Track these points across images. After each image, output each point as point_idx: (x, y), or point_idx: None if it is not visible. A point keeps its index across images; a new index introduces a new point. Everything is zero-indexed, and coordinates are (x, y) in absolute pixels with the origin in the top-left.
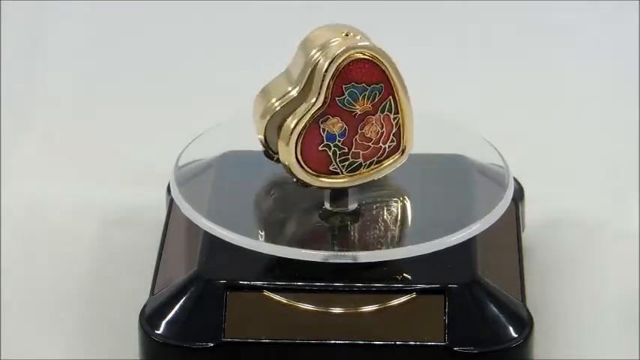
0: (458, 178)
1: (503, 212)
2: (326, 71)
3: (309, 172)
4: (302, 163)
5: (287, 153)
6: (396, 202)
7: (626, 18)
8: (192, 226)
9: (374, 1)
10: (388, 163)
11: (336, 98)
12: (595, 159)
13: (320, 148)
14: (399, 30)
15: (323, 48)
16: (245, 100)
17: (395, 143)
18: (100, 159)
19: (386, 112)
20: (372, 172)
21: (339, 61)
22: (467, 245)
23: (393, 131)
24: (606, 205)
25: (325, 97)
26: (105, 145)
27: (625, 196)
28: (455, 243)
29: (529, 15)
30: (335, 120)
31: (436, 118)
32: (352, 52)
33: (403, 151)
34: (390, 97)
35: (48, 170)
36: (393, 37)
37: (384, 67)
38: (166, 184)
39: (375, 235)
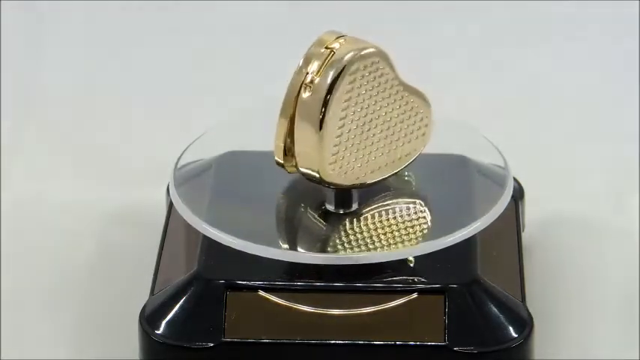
0: (458, 177)
1: (502, 211)
2: None
3: None
4: None
5: None
6: (396, 202)
7: (627, 18)
8: (192, 227)
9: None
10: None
11: None
12: (595, 159)
13: None
14: (401, 28)
15: None
16: (245, 101)
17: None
18: (100, 159)
19: None
20: None
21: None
22: (467, 245)
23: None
24: (606, 205)
25: None
26: (105, 145)
27: (625, 196)
28: (455, 242)
29: (530, 15)
30: None
31: (437, 118)
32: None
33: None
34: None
35: (48, 170)
36: (394, 35)
37: None
38: (166, 184)
39: (376, 236)
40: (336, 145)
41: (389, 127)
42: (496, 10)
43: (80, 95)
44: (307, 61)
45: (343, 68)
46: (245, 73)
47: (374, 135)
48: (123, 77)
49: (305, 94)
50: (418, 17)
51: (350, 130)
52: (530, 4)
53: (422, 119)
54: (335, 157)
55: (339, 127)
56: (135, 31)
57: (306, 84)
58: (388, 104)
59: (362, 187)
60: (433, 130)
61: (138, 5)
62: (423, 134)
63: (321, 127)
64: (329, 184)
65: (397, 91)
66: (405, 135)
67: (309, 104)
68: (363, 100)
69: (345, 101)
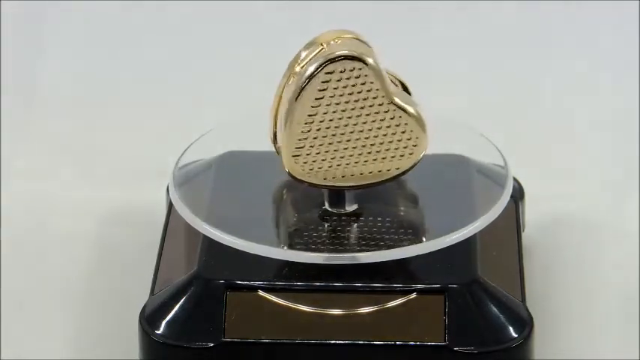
0: (458, 177)
1: (502, 210)
2: None
3: None
4: None
5: None
6: (396, 201)
7: (627, 19)
8: (191, 227)
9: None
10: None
11: None
12: (595, 159)
13: None
14: (401, 28)
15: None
16: (245, 101)
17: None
18: (100, 159)
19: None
20: None
21: None
22: (467, 245)
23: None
24: (606, 205)
25: None
26: (105, 145)
27: (625, 196)
28: (454, 242)
29: (530, 14)
30: None
31: (436, 118)
32: None
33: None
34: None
35: (48, 170)
36: (393, 35)
37: None
38: (166, 184)
39: (375, 235)
40: (301, 139)
41: (369, 137)
42: (496, 9)
43: (80, 95)
44: (303, 51)
45: (320, 66)
46: (246, 73)
47: (349, 141)
48: (123, 77)
49: (289, 83)
50: (419, 17)
51: (320, 128)
52: (531, 3)
53: (410, 139)
54: (300, 150)
55: (308, 123)
56: (135, 31)
57: (292, 73)
58: (370, 114)
59: (334, 188)
60: (434, 129)
61: (138, 5)
62: (411, 154)
63: (288, 119)
64: (295, 178)
65: (382, 103)
66: (389, 150)
67: (288, 94)
68: (339, 103)
69: (317, 99)
